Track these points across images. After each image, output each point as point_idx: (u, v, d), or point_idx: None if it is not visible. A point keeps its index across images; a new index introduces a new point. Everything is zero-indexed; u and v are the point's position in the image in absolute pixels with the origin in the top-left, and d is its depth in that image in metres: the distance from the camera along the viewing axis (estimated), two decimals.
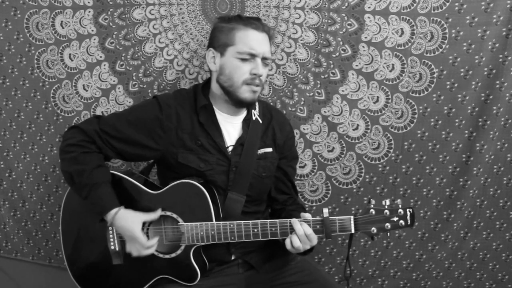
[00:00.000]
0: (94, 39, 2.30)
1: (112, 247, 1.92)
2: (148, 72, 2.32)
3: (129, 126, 1.94)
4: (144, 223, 1.88)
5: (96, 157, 1.91)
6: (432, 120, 2.31)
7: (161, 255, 1.90)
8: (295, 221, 1.80)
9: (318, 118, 2.33)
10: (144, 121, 1.95)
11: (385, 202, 1.80)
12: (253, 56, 1.92)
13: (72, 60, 2.32)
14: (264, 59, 1.95)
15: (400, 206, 1.79)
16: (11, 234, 2.57)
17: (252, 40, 1.92)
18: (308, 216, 1.82)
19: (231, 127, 2.03)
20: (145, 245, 1.84)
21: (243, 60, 1.92)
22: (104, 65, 2.32)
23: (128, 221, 1.84)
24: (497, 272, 2.51)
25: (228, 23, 1.97)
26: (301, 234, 1.78)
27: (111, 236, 1.91)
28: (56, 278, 2.57)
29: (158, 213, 1.88)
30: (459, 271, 2.50)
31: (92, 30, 2.29)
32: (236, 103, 1.96)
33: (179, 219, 1.87)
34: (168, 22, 2.28)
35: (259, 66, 1.92)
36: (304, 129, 2.34)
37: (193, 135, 1.96)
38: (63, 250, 2.05)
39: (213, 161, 1.96)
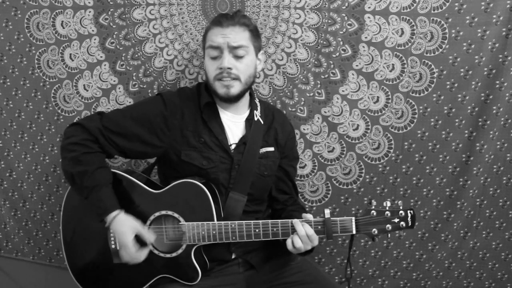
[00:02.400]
0: (95, 39, 2.30)
1: (113, 246, 1.91)
2: (148, 72, 2.32)
3: (133, 122, 1.94)
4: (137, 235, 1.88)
5: (98, 158, 1.91)
6: (432, 120, 2.31)
7: (161, 255, 1.90)
8: (297, 222, 1.81)
9: (318, 118, 2.33)
10: (148, 118, 1.95)
11: (386, 203, 1.82)
12: (217, 49, 1.93)
13: (72, 60, 2.32)
14: (233, 49, 1.93)
15: (401, 207, 1.81)
16: (12, 234, 2.57)
17: (214, 35, 1.95)
18: (309, 216, 1.83)
19: (234, 126, 2.04)
20: (133, 256, 1.85)
21: (213, 58, 1.95)
22: (105, 65, 2.32)
23: (124, 227, 1.84)
24: (496, 271, 2.52)
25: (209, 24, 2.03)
26: (303, 234, 1.78)
27: (112, 235, 1.91)
28: (56, 277, 2.57)
29: (152, 239, 1.88)
30: (459, 271, 2.50)
31: (93, 30, 2.29)
32: (219, 99, 1.99)
33: (181, 219, 1.87)
34: (168, 22, 2.28)
35: (224, 59, 1.91)
36: (304, 129, 2.35)
37: (196, 133, 1.97)
38: (64, 249, 2.04)
39: (216, 158, 1.97)
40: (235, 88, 1.95)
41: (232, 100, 1.99)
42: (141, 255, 1.86)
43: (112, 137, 1.92)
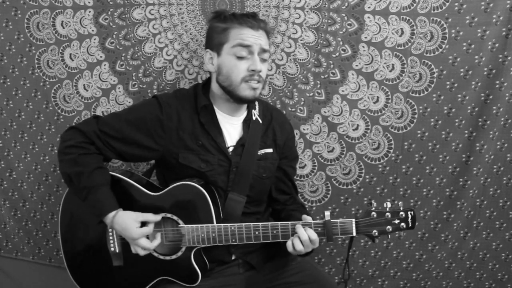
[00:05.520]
0: (95, 39, 2.30)
1: (112, 249, 1.91)
2: (148, 72, 2.32)
3: (129, 126, 1.93)
4: (144, 223, 1.87)
5: (95, 159, 1.90)
6: (432, 120, 2.31)
7: (161, 257, 1.90)
8: (299, 227, 1.80)
9: (318, 118, 2.33)
10: (144, 121, 1.93)
11: (386, 204, 1.81)
12: (246, 48, 1.90)
13: (72, 60, 2.32)
14: (262, 52, 1.93)
15: (401, 208, 1.80)
16: (12, 234, 2.58)
17: (244, 34, 1.90)
18: (309, 218, 1.82)
19: (231, 128, 2.02)
20: (147, 246, 1.83)
21: (240, 58, 1.90)
22: (104, 65, 2.32)
23: (126, 223, 1.82)
24: (496, 271, 2.52)
25: (223, 22, 1.95)
26: (305, 239, 1.77)
27: (111, 237, 1.91)
28: (56, 277, 2.57)
29: (159, 217, 1.87)
30: (459, 271, 2.51)
31: (93, 30, 2.29)
32: (237, 100, 1.95)
33: (180, 221, 1.86)
34: (167, 22, 2.27)
35: (257, 62, 1.90)
36: (304, 129, 2.35)
37: (193, 135, 1.95)
38: (63, 251, 2.04)
39: (214, 161, 1.96)
40: (259, 90, 1.96)
41: (253, 101, 2.01)
42: (154, 242, 1.85)
43: (109, 140, 1.92)
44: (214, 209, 1.85)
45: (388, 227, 1.80)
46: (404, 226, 1.80)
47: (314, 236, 1.78)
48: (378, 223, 1.80)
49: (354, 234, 1.81)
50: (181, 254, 1.88)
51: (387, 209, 1.80)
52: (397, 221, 1.80)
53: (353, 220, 1.80)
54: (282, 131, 2.12)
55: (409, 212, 1.80)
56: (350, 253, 1.95)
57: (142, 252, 1.85)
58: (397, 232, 1.91)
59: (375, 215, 1.80)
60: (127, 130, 1.92)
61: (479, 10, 2.19)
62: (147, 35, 2.29)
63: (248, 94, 1.93)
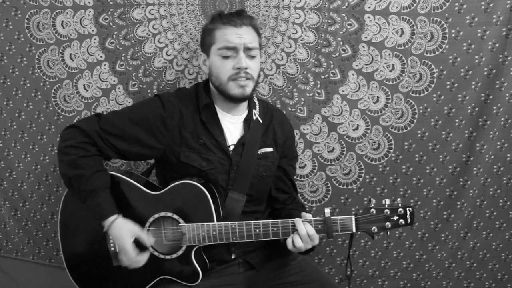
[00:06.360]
0: (95, 39, 2.30)
1: (112, 249, 1.91)
2: (147, 72, 2.32)
3: (131, 124, 1.92)
4: (136, 239, 1.86)
5: (95, 161, 1.89)
6: (432, 120, 2.31)
7: (162, 256, 1.90)
8: (298, 221, 1.80)
9: (318, 118, 2.33)
10: (146, 119, 1.93)
11: (385, 201, 1.82)
12: (232, 49, 1.91)
13: (72, 60, 2.32)
14: (247, 49, 1.93)
15: (400, 205, 1.81)
16: (12, 234, 2.57)
17: (228, 35, 1.91)
18: (309, 216, 1.83)
19: (232, 127, 2.03)
20: (133, 259, 1.84)
21: (225, 57, 1.92)
22: (105, 65, 2.32)
23: (122, 232, 1.83)
24: (496, 271, 2.51)
25: (211, 23, 1.98)
26: (304, 234, 1.78)
27: (111, 237, 1.91)
28: (56, 277, 2.57)
29: (152, 240, 1.88)
30: (459, 271, 2.50)
31: (93, 30, 2.29)
32: (229, 99, 1.96)
33: (180, 220, 1.86)
34: (167, 22, 2.28)
35: (242, 59, 1.90)
36: (304, 129, 2.34)
37: (195, 134, 1.96)
38: (62, 251, 2.03)
39: (215, 160, 1.96)
40: (249, 87, 1.95)
41: (244, 100, 1.99)
42: (141, 259, 1.86)
43: (110, 139, 1.91)
44: (214, 208, 1.85)
45: (387, 223, 1.80)
46: (403, 222, 1.81)
47: (312, 231, 1.79)
48: (377, 219, 1.81)
49: (354, 230, 1.82)
50: (182, 253, 1.88)
51: (386, 206, 1.81)
52: (396, 218, 1.80)
53: (353, 216, 1.81)
54: (282, 131, 2.12)
55: (407, 209, 1.81)
56: (350, 253, 1.94)
57: (125, 264, 1.86)
58: (396, 229, 1.91)
59: (374, 212, 1.81)
60: (129, 128, 1.92)
61: (479, 10, 2.19)
62: (147, 35, 2.29)
63: (236, 92, 1.93)
